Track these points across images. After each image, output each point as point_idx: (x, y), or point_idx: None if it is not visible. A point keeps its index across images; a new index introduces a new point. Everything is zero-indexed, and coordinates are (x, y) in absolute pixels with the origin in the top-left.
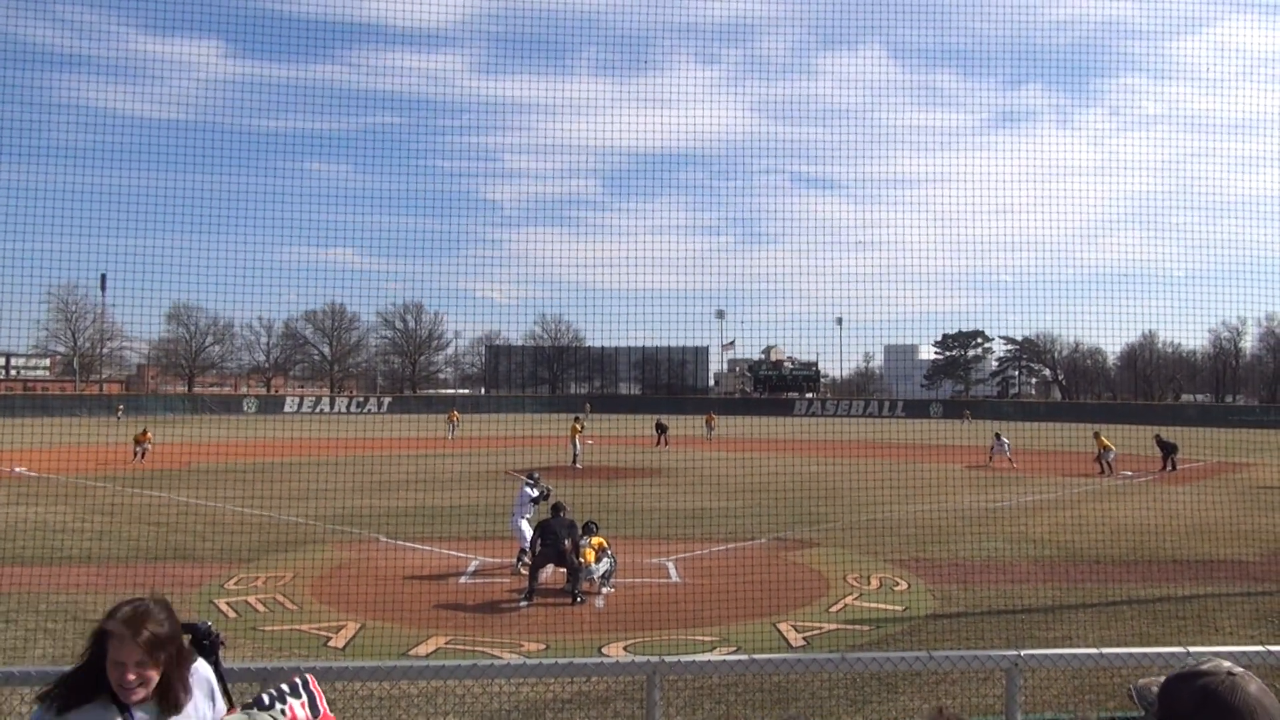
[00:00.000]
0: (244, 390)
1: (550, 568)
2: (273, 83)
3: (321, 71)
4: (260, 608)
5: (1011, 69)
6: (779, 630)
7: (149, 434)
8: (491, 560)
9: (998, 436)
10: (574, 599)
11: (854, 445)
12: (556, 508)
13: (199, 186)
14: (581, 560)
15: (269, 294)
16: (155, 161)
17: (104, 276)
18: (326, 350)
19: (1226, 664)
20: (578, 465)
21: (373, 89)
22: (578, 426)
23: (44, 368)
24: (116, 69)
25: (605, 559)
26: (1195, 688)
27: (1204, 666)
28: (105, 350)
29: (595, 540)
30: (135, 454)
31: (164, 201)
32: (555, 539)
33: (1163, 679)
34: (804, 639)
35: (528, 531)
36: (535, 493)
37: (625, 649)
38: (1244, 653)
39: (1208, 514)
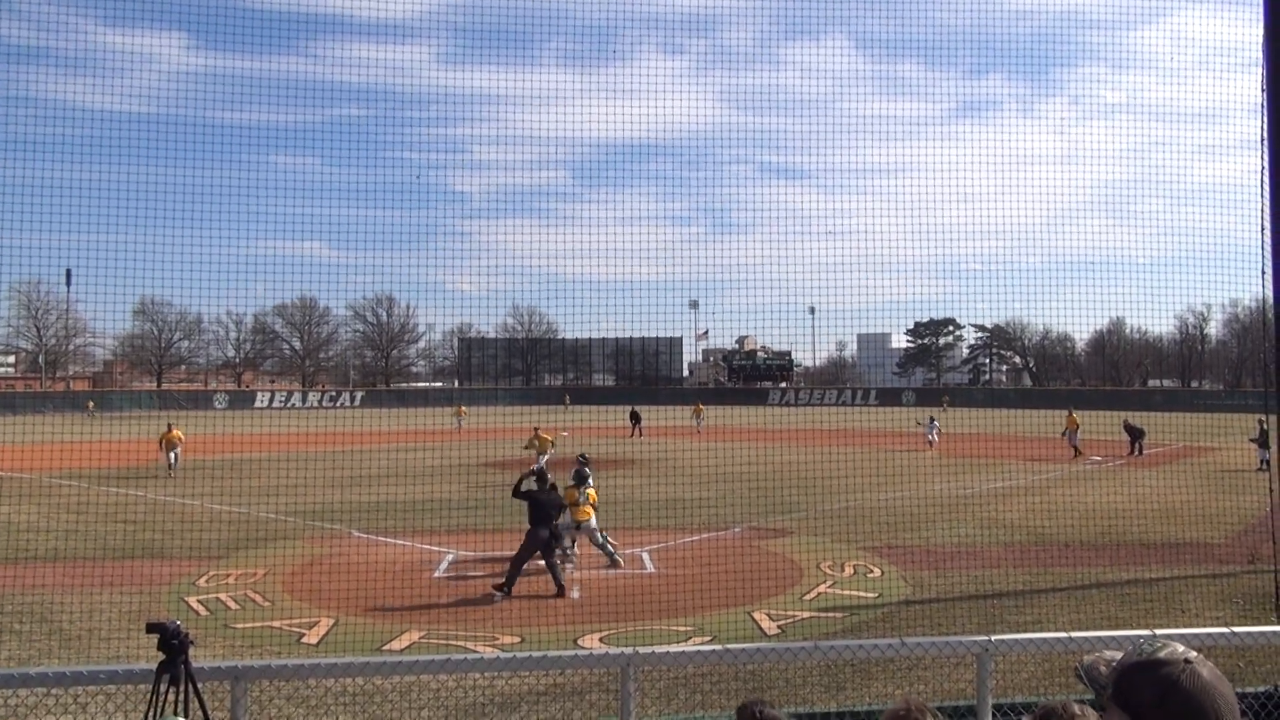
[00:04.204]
0: (214, 386)
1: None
2: (237, 75)
3: (285, 64)
4: (232, 605)
5: (974, 59)
6: (754, 619)
7: (176, 431)
8: (467, 554)
9: (931, 420)
10: (560, 590)
11: (828, 433)
12: (542, 478)
13: (164, 180)
14: (579, 519)
15: (238, 288)
16: (119, 155)
17: (69, 272)
18: (298, 344)
19: (1180, 649)
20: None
21: (337, 81)
22: (546, 437)
23: (9, 365)
24: (78, 62)
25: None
26: (1156, 677)
27: (1161, 654)
28: (72, 346)
29: (590, 493)
30: (169, 462)
31: (129, 195)
32: (549, 519)
33: (1107, 655)
34: (779, 627)
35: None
36: (589, 472)
37: (601, 640)
38: (1209, 634)
39: (1174, 497)
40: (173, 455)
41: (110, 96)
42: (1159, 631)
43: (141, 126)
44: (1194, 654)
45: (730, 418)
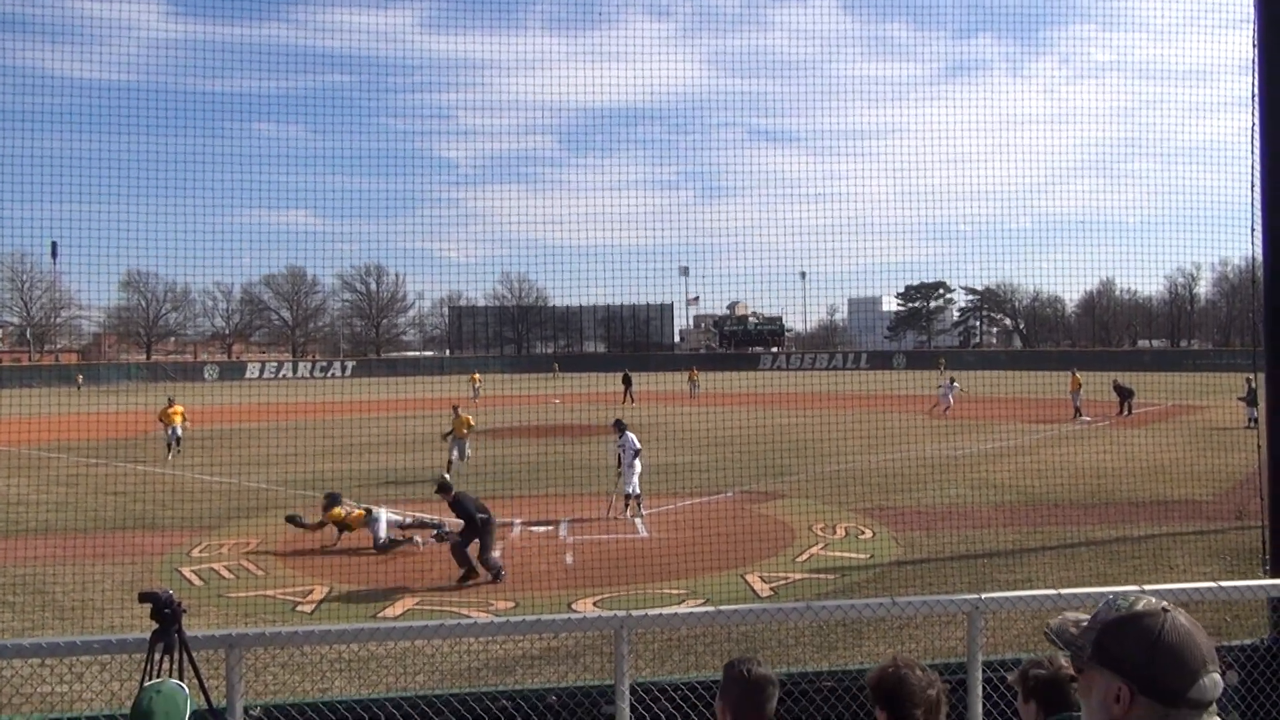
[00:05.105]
0: (204, 357)
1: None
2: (218, 43)
3: (267, 30)
4: (227, 574)
5: (962, 19)
6: (747, 581)
7: (177, 408)
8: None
9: (951, 382)
10: (496, 575)
11: (819, 397)
12: (447, 487)
13: (148, 150)
14: (360, 522)
15: (225, 258)
16: (102, 126)
17: (55, 244)
18: (287, 314)
19: (1153, 599)
20: (448, 473)
21: (321, 47)
22: (468, 419)
23: None
24: (55, 30)
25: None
26: (1141, 630)
27: (1139, 607)
28: (59, 319)
29: (346, 511)
30: (169, 444)
31: (113, 166)
32: (484, 507)
33: (1071, 616)
34: (771, 589)
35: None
36: (637, 442)
37: (595, 604)
38: (1197, 589)
39: (1163, 456)
40: (173, 434)
41: (89, 65)
42: (1147, 588)
43: (122, 96)
44: (1166, 602)
45: (722, 383)
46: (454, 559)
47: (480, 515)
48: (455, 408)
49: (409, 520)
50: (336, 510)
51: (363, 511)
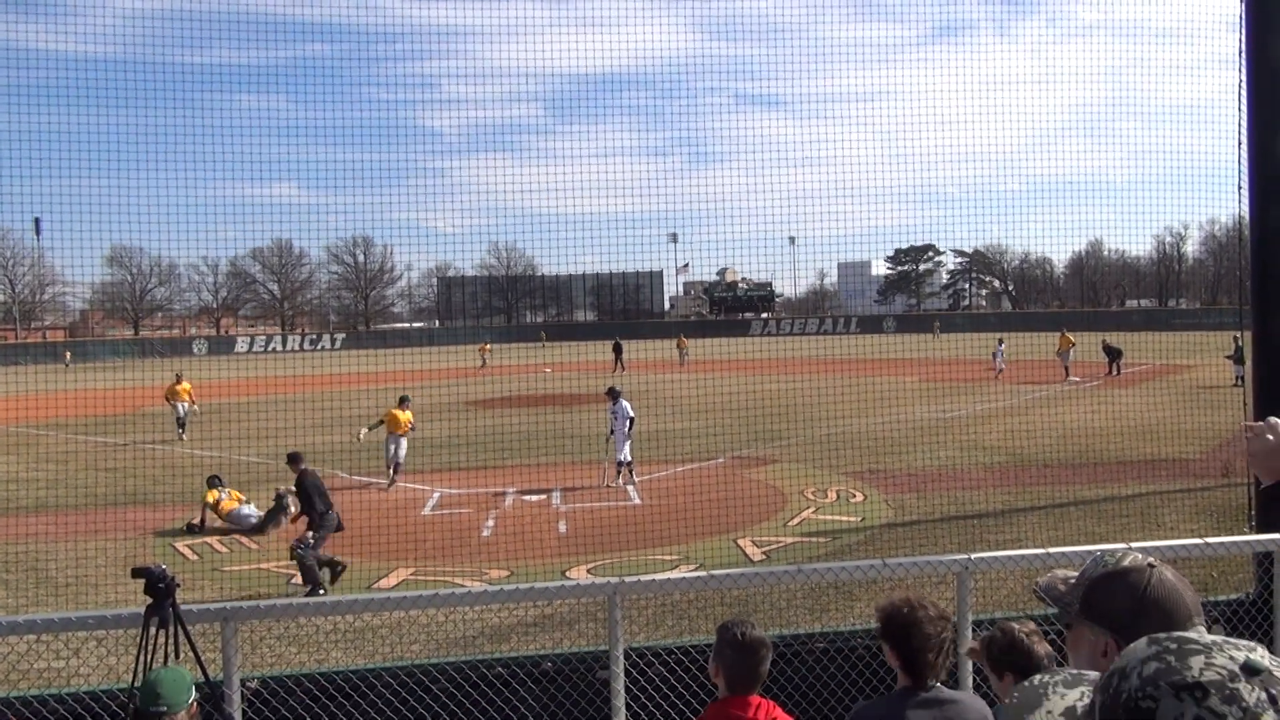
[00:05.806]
0: (192, 332)
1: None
2: (197, 13)
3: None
4: (221, 549)
5: None
6: (739, 546)
7: (185, 385)
8: (453, 491)
9: (1000, 343)
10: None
11: (810, 362)
12: (297, 458)
13: (129, 124)
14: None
15: (211, 232)
16: (81, 100)
17: (38, 220)
18: (275, 288)
19: (1139, 555)
20: (387, 487)
21: (302, 17)
22: (400, 416)
23: None
24: (30, 2)
25: None
26: (1128, 585)
27: (1125, 563)
28: (45, 296)
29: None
30: (180, 417)
31: (94, 141)
32: (326, 495)
33: (1060, 574)
34: (764, 553)
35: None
36: (631, 410)
37: (589, 571)
38: (1183, 545)
39: (1151, 415)
40: (181, 409)
41: (66, 39)
42: (1134, 545)
43: (102, 69)
44: (1152, 558)
45: (713, 350)
46: (299, 568)
47: (321, 508)
48: (402, 399)
49: (260, 515)
50: (212, 493)
51: (234, 503)
